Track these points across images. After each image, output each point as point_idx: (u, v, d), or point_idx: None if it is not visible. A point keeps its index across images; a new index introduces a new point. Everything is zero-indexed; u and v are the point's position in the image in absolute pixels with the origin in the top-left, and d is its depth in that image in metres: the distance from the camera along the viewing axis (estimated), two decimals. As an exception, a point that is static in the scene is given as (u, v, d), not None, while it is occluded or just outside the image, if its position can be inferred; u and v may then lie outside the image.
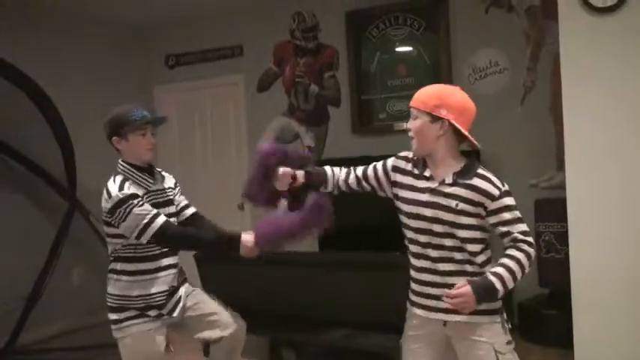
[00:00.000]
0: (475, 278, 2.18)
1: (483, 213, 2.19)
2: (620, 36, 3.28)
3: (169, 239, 2.69)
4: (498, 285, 2.14)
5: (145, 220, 2.61)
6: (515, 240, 2.20)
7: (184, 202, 3.00)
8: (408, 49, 5.44)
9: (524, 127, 4.95)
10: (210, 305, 3.04)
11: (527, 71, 4.95)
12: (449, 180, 2.22)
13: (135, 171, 2.74)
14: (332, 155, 5.68)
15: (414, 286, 2.35)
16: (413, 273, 2.34)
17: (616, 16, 3.27)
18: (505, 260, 2.18)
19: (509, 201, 2.21)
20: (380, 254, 3.86)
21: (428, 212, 2.24)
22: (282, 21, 5.89)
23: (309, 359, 4.52)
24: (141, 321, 2.75)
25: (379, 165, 2.44)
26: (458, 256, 2.22)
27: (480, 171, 2.23)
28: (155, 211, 2.66)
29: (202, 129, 6.47)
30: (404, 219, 2.32)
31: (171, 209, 2.86)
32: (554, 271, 4.51)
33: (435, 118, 2.22)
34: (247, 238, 2.68)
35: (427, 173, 2.28)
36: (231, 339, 3.03)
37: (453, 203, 2.19)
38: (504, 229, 2.21)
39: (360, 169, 2.49)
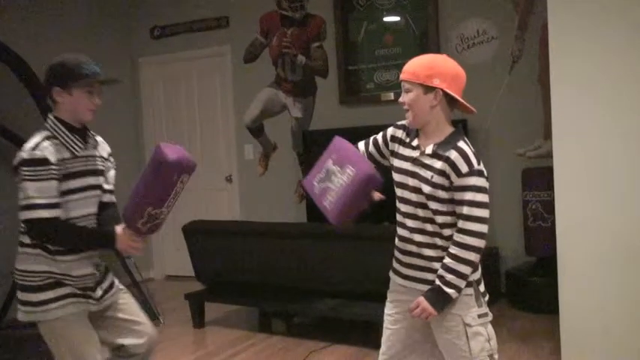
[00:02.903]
0: (428, 288, 2.20)
1: (449, 186, 2.16)
2: (608, 4, 3.27)
3: (48, 234, 2.35)
4: (447, 289, 2.16)
5: (40, 201, 2.29)
6: (458, 230, 2.16)
7: (110, 187, 2.61)
8: (396, 18, 5.40)
9: (512, 96, 4.95)
10: (137, 311, 2.67)
11: (516, 40, 4.93)
12: (429, 151, 2.21)
13: (64, 129, 2.39)
14: (320, 127, 5.67)
15: (396, 253, 2.37)
16: (396, 241, 2.36)
17: (604, -16, 3.26)
18: (446, 260, 2.17)
19: (476, 181, 2.14)
20: (368, 225, 3.87)
21: (409, 181, 2.25)
22: (269, -9, 5.83)
23: (298, 329, 4.56)
24: (67, 302, 2.42)
25: (379, 137, 2.42)
26: (429, 227, 2.22)
27: (460, 144, 2.18)
28: (48, 201, 2.30)
29: (189, 101, 6.43)
30: (394, 188, 2.33)
31: (99, 180, 2.52)
32: (541, 239, 4.55)
33: (429, 89, 2.20)
34: (122, 230, 2.41)
35: (415, 143, 2.27)
36: (149, 349, 2.64)
37: (429, 174, 2.19)
38: (459, 209, 2.16)
39: (362, 146, 2.45)
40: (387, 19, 5.43)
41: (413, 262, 2.28)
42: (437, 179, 2.17)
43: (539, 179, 4.58)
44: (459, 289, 2.18)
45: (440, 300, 2.18)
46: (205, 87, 6.33)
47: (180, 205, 6.62)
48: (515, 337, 4.13)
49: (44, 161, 2.30)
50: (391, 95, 5.29)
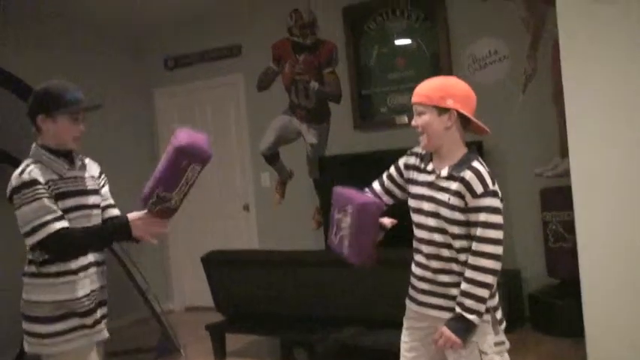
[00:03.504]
0: (450, 316, 2.17)
1: (464, 208, 2.14)
2: (619, 20, 3.24)
3: (58, 248, 2.33)
4: (468, 315, 2.13)
5: (35, 224, 2.27)
6: (472, 252, 2.13)
7: (109, 201, 2.61)
8: (407, 41, 5.40)
9: (526, 115, 4.91)
10: None
11: (528, 59, 4.90)
12: (444, 173, 2.20)
13: (48, 154, 2.38)
14: (335, 152, 5.66)
15: (412, 280, 2.35)
16: (412, 267, 2.34)
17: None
18: (463, 285, 2.14)
19: (490, 202, 2.12)
20: (390, 251, 3.83)
21: (425, 206, 2.22)
22: (280, 19, 5.86)
23: (320, 358, 4.50)
24: (76, 335, 2.39)
25: (392, 170, 2.41)
26: (445, 253, 2.19)
27: (475, 164, 2.17)
28: (51, 216, 2.29)
29: (204, 130, 6.38)
30: (411, 214, 2.31)
31: (92, 200, 2.48)
32: (563, 260, 4.48)
33: (442, 110, 2.19)
34: (135, 214, 2.40)
35: (429, 167, 2.26)
36: None
37: (445, 197, 2.17)
38: (474, 231, 2.13)
39: (377, 185, 2.44)
40: (398, 42, 5.44)
41: (428, 289, 2.26)
42: (453, 201, 2.15)
43: (558, 199, 4.52)
44: (479, 314, 2.14)
45: (462, 328, 2.14)
46: (220, 116, 6.36)
47: (198, 234, 6.64)
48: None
49: (34, 182, 2.30)
50: (405, 119, 5.27)
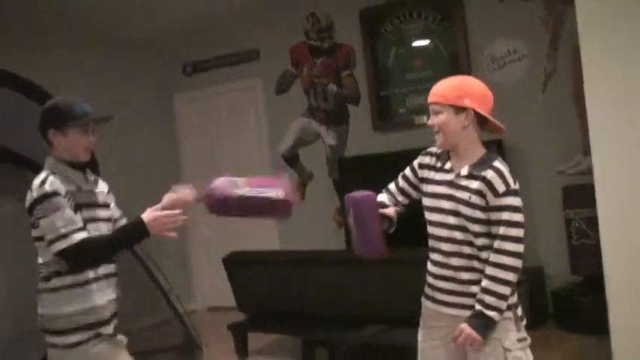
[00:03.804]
0: (470, 313, 2.17)
1: (486, 206, 2.15)
2: (639, 13, 3.23)
3: (81, 258, 2.38)
4: (488, 312, 2.13)
5: (62, 231, 2.32)
6: (495, 250, 2.14)
7: (118, 213, 2.68)
8: (424, 42, 5.41)
9: (547, 114, 4.90)
10: None
11: (547, 58, 4.89)
12: (464, 172, 2.20)
13: (64, 166, 2.45)
14: (354, 153, 5.68)
15: (428, 279, 2.34)
16: (429, 266, 2.33)
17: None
18: (484, 283, 2.15)
19: (512, 201, 2.14)
20: (409, 250, 3.84)
21: (445, 205, 2.23)
22: (297, 23, 5.90)
23: (342, 357, 4.52)
24: (97, 342, 2.44)
25: (407, 170, 2.43)
26: (467, 250, 2.20)
27: (496, 163, 2.18)
28: (75, 226, 2.34)
29: (223, 134, 6.50)
30: (425, 213, 2.32)
31: (105, 213, 2.56)
32: (586, 257, 4.45)
33: (459, 109, 2.20)
34: (148, 213, 2.43)
35: (447, 166, 2.27)
36: None
37: (466, 195, 2.17)
38: (496, 230, 2.15)
39: (392, 185, 2.47)
40: (415, 43, 5.45)
41: (448, 287, 2.25)
42: (474, 199, 2.16)
43: (580, 196, 4.50)
44: (500, 312, 2.14)
45: (483, 325, 2.14)
46: (239, 119, 6.41)
47: (220, 236, 6.69)
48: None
49: (55, 193, 2.35)
50: (424, 119, 5.26)
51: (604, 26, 3.33)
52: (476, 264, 2.20)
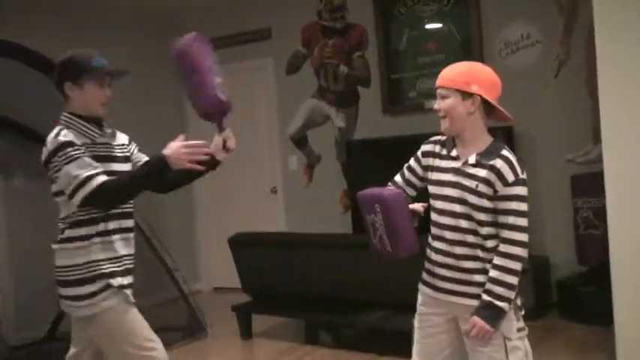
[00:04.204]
0: (477, 306, 2.16)
1: (493, 195, 2.14)
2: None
3: (106, 200, 2.36)
4: (498, 302, 2.12)
5: (80, 179, 2.30)
6: (503, 240, 2.13)
7: (145, 158, 2.62)
8: (437, 25, 5.35)
9: (559, 101, 4.85)
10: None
11: (561, 43, 4.82)
12: (472, 160, 2.19)
13: (79, 119, 2.43)
14: (363, 136, 5.65)
15: (428, 266, 2.33)
16: (430, 253, 2.32)
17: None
18: (492, 273, 2.14)
19: (520, 190, 2.13)
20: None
21: (450, 192, 2.21)
22: (309, 2, 5.85)
23: (345, 341, 4.54)
24: (108, 293, 2.42)
25: (411, 160, 2.41)
26: (471, 239, 2.18)
27: (504, 152, 2.17)
28: (94, 171, 2.33)
29: (232, 113, 6.46)
30: (430, 200, 2.30)
31: (123, 167, 2.54)
32: (593, 247, 4.43)
33: (466, 95, 2.18)
34: (170, 149, 2.39)
35: (454, 153, 2.25)
36: None
37: (473, 184, 2.16)
38: (503, 219, 2.14)
39: (399, 177, 2.44)
40: (428, 26, 5.39)
41: (450, 275, 2.24)
42: (482, 188, 2.14)
43: (589, 185, 4.46)
44: (509, 301, 2.13)
45: (493, 315, 2.13)
46: (249, 99, 6.38)
47: (226, 216, 6.71)
48: (569, 349, 4.02)
49: (71, 143, 2.34)
50: (432, 103, 5.22)
51: (619, 12, 3.26)
52: (479, 253, 2.19)
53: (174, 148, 2.40)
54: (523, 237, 2.13)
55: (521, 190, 2.14)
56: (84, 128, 2.43)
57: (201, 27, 6.47)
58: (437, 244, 2.27)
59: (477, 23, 5.11)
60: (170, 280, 5.02)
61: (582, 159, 4.74)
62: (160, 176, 2.45)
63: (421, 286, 2.37)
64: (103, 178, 2.34)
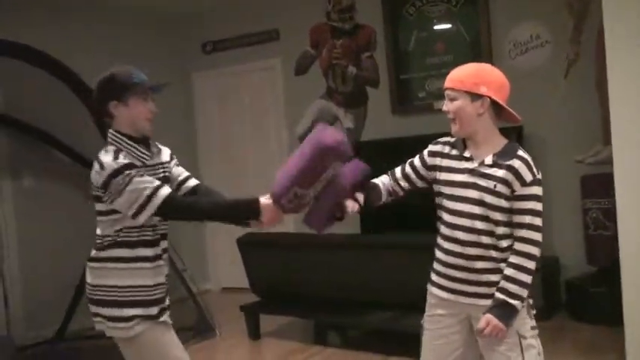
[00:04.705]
0: (491, 304, 2.15)
1: (511, 196, 2.14)
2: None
3: (177, 211, 2.36)
4: (512, 300, 2.12)
5: (147, 192, 2.28)
6: (520, 239, 2.14)
7: (185, 175, 2.63)
8: (446, 25, 5.35)
9: (568, 101, 4.83)
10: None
11: (571, 44, 4.81)
12: (488, 161, 2.19)
13: (129, 141, 2.40)
14: (372, 137, 5.65)
15: (439, 267, 2.32)
16: (440, 255, 2.31)
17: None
18: (507, 271, 2.14)
19: (537, 190, 2.15)
20: (422, 235, 3.82)
21: (466, 193, 2.21)
22: (318, 3, 5.85)
23: (353, 342, 4.53)
24: (150, 314, 2.41)
25: (415, 158, 2.41)
26: (485, 239, 2.18)
27: (521, 152, 2.18)
28: (157, 182, 2.33)
29: (241, 113, 6.50)
30: (442, 201, 2.29)
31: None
32: (602, 248, 4.41)
33: (475, 97, 2.18)
34: (268, 201, 2.33)
35: (467, 154, 2.24)
36: None
37: (491, 184, 2.16)
38: (520, 219, 2.14)
39: (398, 170, 2.44)
40: (437, 27, 5.39)
41: (462, 277, 2.23)
42: (500, 188, 2.15)
43: (598, 186, 4.44)
44: (522, 300, 2.14)
45: (506, 314, 2.14)
46: (257, 99, 6.40)
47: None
48: (578, 350, 4.00)
49: (131, 165, 2.32)
50: (441, 104, 5.21)
51: (629, 12, 3.26)
52: (492, 253, 2.18)
53: (270, 208, 2.33)
54: (538, 236, 2.15)
55: (538, 190, 2.16)
56: (135, 151, 2.41)
57: (211, 28, 6.54)
58: (449, 245, 2.26)
59: (486, 24, 5.10)
60: (179, 280, 5.03)
61: (592, 159, 4.72)
62: (244, 217, 2.41)
63: (431, 288, 2.37)
64: (167, 189, 2.33)
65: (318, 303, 4.54)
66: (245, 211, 2.39)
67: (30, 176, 5.27)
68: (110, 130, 2.43)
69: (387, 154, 5.37)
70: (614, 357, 3.74)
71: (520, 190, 2.13)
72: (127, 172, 2.28)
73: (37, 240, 5.12)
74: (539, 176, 2.17)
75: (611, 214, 4.08)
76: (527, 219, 2.13)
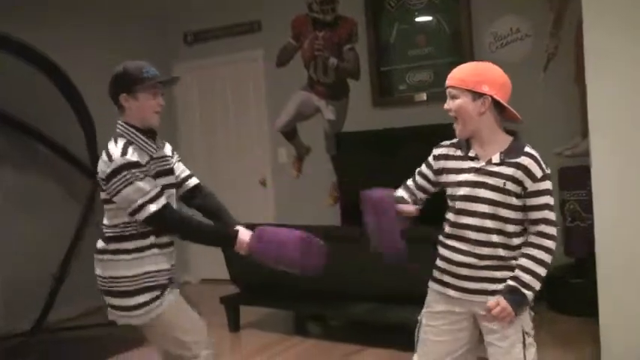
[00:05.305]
0: (502, 290, 2.18)
1: (522, 193, 2.16)
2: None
3: (165, 225, 2.50)
4: (525, 290, 2.15)
5: (145, 199, 2.40)
6: (539, 233, 2.17)
7: (186, 172, 2.78)
8: (428, 18, 5.36)
9: (547, 94, 4.87)
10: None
11: (550, 37, 4.85)
12: (496, 159, 2.19)
13: (139, 134, 2.51)
14: (353, 129, 5.66)
15: (444, 265, 2.31)
16: (445, 253, 2.30)
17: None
18: (523, 261, 2.17)
19: (548, 185, 2.19)
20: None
21: (475, 192, 2.20)
22: (300, -6, 5.84)
23: (334, 332, 4.55)
24: (165, 294, 2.55)
25: (423, 166, 2.41)
26: (495, 238, 2.19)
27: (528, 149, 2.20)
28: (158, 189, 2.45)
29: (222, 105, 6.47)
30: (451, 202, 2.29)
31: (171, 179, 2.65)
32: (579, 239, 4.46)
33: (477, 95, 2.18)
34: (244, 237, 2.55)
35: (472, 153, 2.25)
36: None
37: (500, 182, 2.16)
38: (536, 214, 2.17)
39: (410, 181, 2.46)
40: (418, 19, 5.40)
41: (470, 274, 2.24)
42: (509, 186, 2.16)
43: (576, 178, 4.49)
44: (535, 292, 2.17)
45: (518, 301, 2.16)
46: (239, 91, 6.37)
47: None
48: (557, 341, 4.05)
49: (137, 164, 2.41)
50: (424, 96, 5.25)
51: (608, 7, 3.28)
52: (501, 252, 2.20)
53: (245, 244, 2.55)
54: (554, 231, 2.19)
55: (549, 185, 2.19)
56: (143, 144, 2.51)
57: (193, 19, 6.49)
58: (457, 244, 2.26)
59: (466, 16, 5.12)
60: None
61: (570, 152, 4.77)
62: (211, 243, 2.77)
63: (435, 285, 2.36)
64: (158, 204, 2.43)
65: (299, 294, 4.55)
66: (222, 241, 2.69)
67: (9, 169, 5.21)
68: (119, 122, 2.54)
69: (367, 146, 5.41)
70: (592, 348, 3.78)
71: (532, 187, 2.15)
72: (133, 170, 2.39)
73: (15, 232, 5.07)
74: (548, 171, 2.20)
75: (588, 206, 4.12)
76: (544, 213, 2.16)
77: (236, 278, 4.81)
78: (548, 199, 2.18)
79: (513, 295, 2.15)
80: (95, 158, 5.14)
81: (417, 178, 2.42)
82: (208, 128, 6.55)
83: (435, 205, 2.45)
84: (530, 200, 2.16)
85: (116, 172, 2.39)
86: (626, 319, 3.29)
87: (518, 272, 2.16)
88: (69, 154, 5.23)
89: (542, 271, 2.16)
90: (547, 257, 2.16)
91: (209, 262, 6.35)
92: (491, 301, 2.17)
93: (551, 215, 2.18)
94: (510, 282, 2.16)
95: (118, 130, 2.51)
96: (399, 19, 5.46)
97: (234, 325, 4.76)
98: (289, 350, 4.28)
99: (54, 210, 5.32)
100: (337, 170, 5.72)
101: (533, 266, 2.15)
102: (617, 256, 3.30)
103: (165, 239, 2.57)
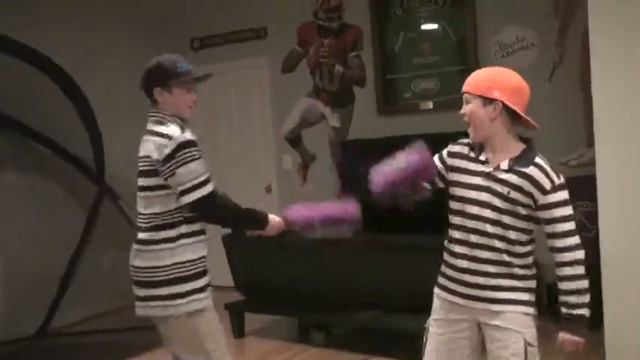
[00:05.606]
0: (560, 322, 2.19)
1: (534, 205, 2.15)
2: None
3: (212, 210, 2.48)
4: (577, 311, 2.18)
5: (200, 179, 2.41)
6: (563, 249, 2.16)
7: None
8: (433, 26, 5.36)
9: (552, 103, 4.85)
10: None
11: (556, 46, 4.84)
12: (504, 166, 2.18)
13: (178, 121, 2.51)
14: (358, 136, 5.66)
15: (448, 271, 2.31)
16: (450, 259, 2.30)
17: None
18: (563, 285, 2.18)
19: (561, 196, 2.15)
20: (408, 236, 3.84)
21: (479, 196, 2.20)
22: (306, 2, 5.85)
23: (337, 340, 4.54)
24: (207, 292, 2.60)
25: (435, 158, 2.38)
26: (498, 244, 2.18)
27: (537, 160, 2.17)
28: (209, 174, 2.45)
29: (227, 111, 6.49)
30: (454, 204, 2.28)
31: None
32: (585, 250, 4.43)
33: (487, 101, 2.18)
34: (274, 216, 2.66)
35: (482, 157, 2.24)
36: None
37: (505, 190, 2.15)
38: (553, 228, 2.16)
39: (436, 158, 2.41)
40: (424, 27, 5.40)
41: (475, 281, 2.23)
42: (514, 195, 2.15)
43: (581, 189, 4.44)
44: (586, 306, 2.18)
45: (577, 325, 2.19)
46: (244, 98, 6.38)
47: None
48: (560, 354, 4.02)
49: (194, 143, 2.45)
50: (429, 104, 5.25)
51: (613, 16, 3.29)
52: (505, 257, 2.19)
53: (278, 225, 2.67)
54: (577, 239, 2.17)
55: (562, 195, 2.16)
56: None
57: (200, 25, 6.52)
58: (460, 249, 2.26)
59: (472, 25, 5.12)
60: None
61: (576, 162, 4.76)
62: (248, 227, 2.77)
63: (440, 292, 2.36)
64: (213, 185, 2.46)
65: (303, 302, 4.54)
66: (257, 219, 2.65)
67: (10, 171, 5.23)
68: (156, 110, 2.54)
69: (372, 153, 5.38)
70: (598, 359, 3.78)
71: (542, 200, 2.14)
72: (192, 149, 2.41)
73: (18, 235, 5.08)
74: (561, 181, 2.16)
75: (593, 217, 4.11)
76: (558, 227, 2.15)
77: (240, 285, 4.81)
78: (563, 211, 2.15)
79: (569, 323, 2.18)
80: (100, 163, 5.18)
81: (437, 162, 2.37)
82: (213, 134, 6.56)
83: (437, 213, 2.44)
84: (543, 213, 2.15)
85: (179, 147, 2.39)
86: (632, 331, 3.28)
87: (563, 297, 2.18)
88: (69, 155, 5.23)
89: (583, 284, 2.16)
90: (581, 269, 2.16)
91: (214, 268, 6.32)
92: (560, 342, 2.20)
93: (567, 226, 2.15)
94: (562, 309, 2.18)
95: (158, 116, 2.51)
96: (404, 27, 5.46)
97: (239, 332, 4.76)
98: (292, 358, 4.28)
99: (55, 211, 5.31)
100: (342, 178, 5.71)
101: (575, 285, 2.15)
102: (624, 266, 3.30)
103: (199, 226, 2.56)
